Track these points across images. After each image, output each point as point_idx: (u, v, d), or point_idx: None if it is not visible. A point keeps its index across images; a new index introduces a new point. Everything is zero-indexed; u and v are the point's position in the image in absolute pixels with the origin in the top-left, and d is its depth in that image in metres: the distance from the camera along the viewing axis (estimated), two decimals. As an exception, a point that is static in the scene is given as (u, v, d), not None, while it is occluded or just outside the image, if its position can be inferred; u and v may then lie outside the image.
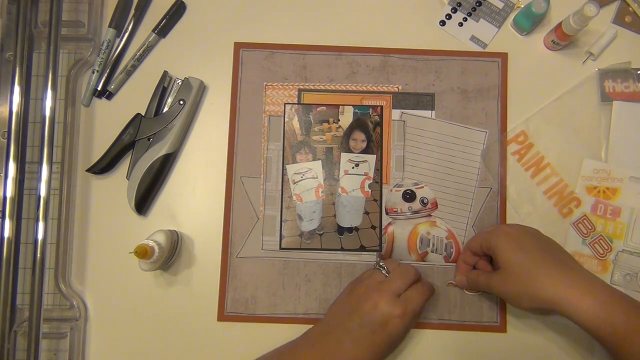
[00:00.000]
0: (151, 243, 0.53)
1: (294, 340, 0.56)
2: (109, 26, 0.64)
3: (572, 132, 0.62)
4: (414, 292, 0.54)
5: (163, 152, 0.60)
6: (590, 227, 0.60)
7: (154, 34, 0.63)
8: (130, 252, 0.52)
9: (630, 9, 0.64)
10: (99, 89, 0.63)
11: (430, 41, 0.64)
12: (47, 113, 0.58)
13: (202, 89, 0.63)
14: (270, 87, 0.64)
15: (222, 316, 0.60)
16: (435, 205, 0.62)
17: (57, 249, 0.60)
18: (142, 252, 0.52)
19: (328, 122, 0.63)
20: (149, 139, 0.61)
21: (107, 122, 0.63)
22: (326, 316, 0.57)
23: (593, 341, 0.58)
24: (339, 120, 0.63)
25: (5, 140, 0.58)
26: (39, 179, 0.57)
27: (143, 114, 0.61)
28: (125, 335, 0.60)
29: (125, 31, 0.64)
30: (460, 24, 0.65)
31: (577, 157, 0.62)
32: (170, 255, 0.58)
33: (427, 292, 0.56)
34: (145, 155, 0.60)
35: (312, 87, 0.63)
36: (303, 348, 0.55)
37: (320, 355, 0.53)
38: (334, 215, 0.62)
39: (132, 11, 0.64)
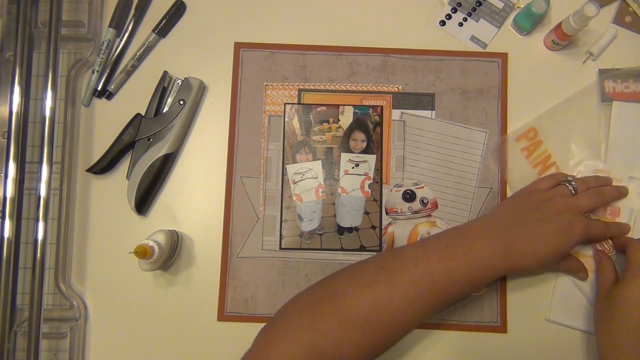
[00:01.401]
0: (151, 243, 0.53)
1: (463, 225, 0.55)
2: (109, 26, 0.64)
3: (575, 132, 0.62)
4: (596, 223, 0.55)
5: (163, 152, 0.60)
6: (608, 249, 0.60)
7: (154, 34, 0.63)
8: (130, 252, 0.52)
9: (630, 9, 0.64)
10: (99, 89, 0.63)
11: (430, 41, 0.64)
12: (47, 113, 0.58)
13: (202, 89, 0.63)
14: (270, 87, 0.64)
15: (222, 316, 0.60)
16: (435, 206, 0.62)
17: (57, 249, 0.60)
18: (142, 252, 0.52)
19: (328, 122, 0.63)
20: (149, 139, 0.61)
21: (107, 122, 0.63)
22: (500, 209, 0.56)
23: (593, 341, 0.58)
24: (339, 120, 0.63)
25: (5, 140, 0.58)
26: (39, 179, 0.57)
27: (143, 114, 0.62)
28: (125, 335, 0.60)
29: (125, 31, 0.64)
30: (460, 24, 0.65)
31: (578, 158, 0.61)
32: (170, 255, 0.58)
33: (609, 232, 0.56)
34: (145, 155, 0.60)
35: (312, 87, 0.63)
36: (477, 231, 0.53)
37: (499, 242, 0.51)
38: (334, 215, 0.62)
39: (132, 11, 0.64)
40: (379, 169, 0.62)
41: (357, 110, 0.63)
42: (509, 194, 0.62)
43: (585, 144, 0.62)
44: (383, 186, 0.62)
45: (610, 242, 0.58)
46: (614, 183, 0.60)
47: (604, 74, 0.63)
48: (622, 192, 0.59)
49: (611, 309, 0.52)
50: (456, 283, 0.50)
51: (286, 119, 0.63)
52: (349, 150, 0.62)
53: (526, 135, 0.62)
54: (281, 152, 0.63)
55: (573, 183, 0.56)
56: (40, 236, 0.56)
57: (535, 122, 0.62)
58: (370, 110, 0.63)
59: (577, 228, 0.52)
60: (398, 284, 0.49)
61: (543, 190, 0.56)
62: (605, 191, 0.57)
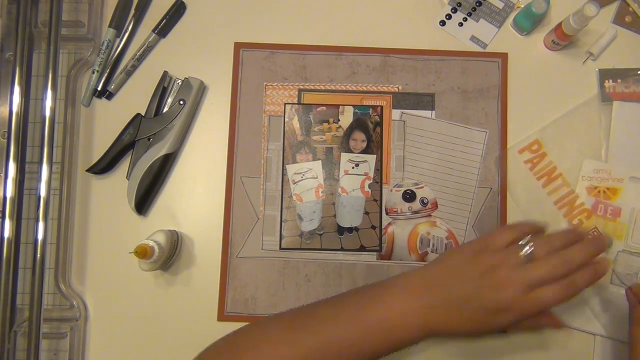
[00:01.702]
0: (151, 243, 0.53)
1: (389, 279, 0.48)
2: (109, 26, 0.64)
3: (581, 143, 0.62)
4: (550, 291, 0.44)
5: (163, 152, 0.60)
6: None
7: (154, 34, 0.63)
8: (130, 252, 0.52)
9: (630, 9, 0.64)
10: (99, 89, 0.63)
11: (430, 41, 0.64)
12: (47, 113, 0.58)
13: (202, 89, 0.63)
14: (270, 87, 0.64)
15: (222, 316, 0.60)
16: (435, 206, 0.62)
17: (57, 249, 0.60)
18: (142, 252, 0.52)
19: (328, 122, 0.63)
20: (149, 139, 0.61)
21: (107, 122, 0.63)
22: (437, 265, 0.48)
23: (592, 341, 0.58)
24: (339, 120, 0.63)
25: (5, 140, 0.58)
26: (39, 179, 0.57)
27: (143, 114, 0.61)
28: (125, 335, 0.60)
29: (125, 31, 0.64)
30: (460, 24, 0.65)
31: (585, 169, 0.61)
32: (170, 255, 0.58)
33: (571, 293, 0.45)
34: (145, 155, 0.60)
35: (312, 87, 0.63)
36: (402, 289, 0.46)
37: (420, 306, 0.44)
38: (334, 215, 0.62)
39: (132, 11, 0.64)
40: (379, 169, 0.62)
41: (357, 110, 0.63)
42: (509, 195, 0.62)
43: (589, 154, 0.61)
44: (383, 186, 0.62)
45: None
46: (615, 183, 0.60)
47: (604, 73, 0.63)
48: (594, 251, 0.46)
49: None
50: (366, 349, 0.44)
51: (286, 119, 0.63)
52: (349, 150, 0.62)
53: (529, 148, 0.62)
54: (281, 152, 0.63)
55: (529, 247, 0.45)
56: (40, 236, 0.56)
57: (539, 135, 0.62)
58: (370, 110, 0.63)
59: (508, 315, 0.44)
60: (301, 345, 0.44)
61: (496, 249, 0.46)
62: (572, 258, 0.45)
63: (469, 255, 0.47)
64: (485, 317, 0.44)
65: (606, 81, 0.63)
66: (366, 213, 0.62)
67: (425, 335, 0.45)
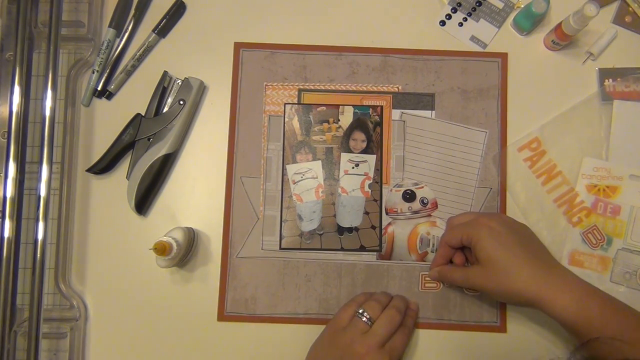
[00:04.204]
0: (170, 240, 0.53)
1: None
2: (109, 26, 0.64)
3: (581, 141, 0.62)
4: (397, 340, 0.55)
5: (163, 152, 0.60)
6: (600, 238, 0.60)
7: (154, 34, 0.63)
8: (149, 249, 0.52)
9: (630, 9, 0.64)
10: (99, 89, 0.63)
11: (430, 41, 0.64)
12: (47, 113, 0.58)
13: (202, 89, 0.63)
14: (270, 87, 0.64)
15: (222, 316, 0.60)
16: (435, 205, 0.62)
17: (57, 249, 0.60)
18: (161, 249, 0.52)
19: (328, 122, 0.63)
20: (149, 139, 0.61)
21: (107, 122, 0.63)
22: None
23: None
24: (339, 120, 0.63)
25: (5, 140, 0.58)
26: (39, 179, 0.57)
27: (143, 114, 0.61)
28: (125, 335, 0.60)
29: (125, 31, 0.64)
30: (460, 24, 0.65)
31: (584, 167, 0.61)
32: (187, 252, 0.58)
33: (410, 334, 0.57)
34: (145, 155, 0.60)
35: (312, 87, 0.63)
36: None
37: None
38: (334, 215, 0.62)
39: (132, 11, 0.64)
40: (378, 169, 0.62)
41: (357, 110, 0.63)
42: (508, 195, 0.62)
43: (589, 152, 0.61)
44: (383, 186, 0.62)
45: (463, 256, 0.58)
46: (615, 181, 0.60)
47: (604, 73, 0.63)
48: (404, 303, 0.58)
49: (489, 265, 0.53)
50: None
51: (286, 119, 0.63)
52: (349, 150, 0.62)
53: (529, 146, 0.62)
54: (281, 152, 0.63)
55: (366, 314, 0.55)
56: (40, 236, 0.56)
57: (539, 132, 0.62)
58: (370, 110, 0.63)
59: None
60: None
61: (344, 326, 0.55)
62: (399, 307, 0.56)
63: (327, 343, 0.56)
64: None
65: (606, 80, 0.63)
66: (366, 213, 0.62)
67: None
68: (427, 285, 0.61)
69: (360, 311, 0.55)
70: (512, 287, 0.51)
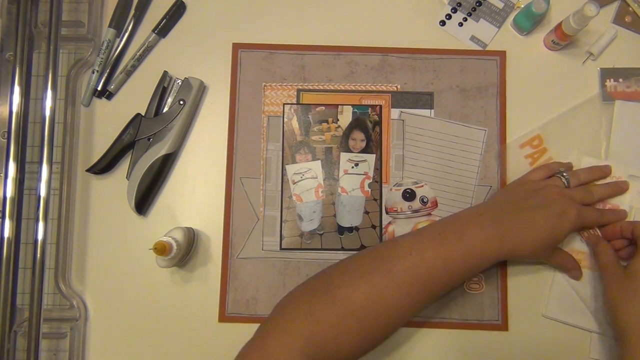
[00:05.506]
0: (170, 240, 0.53)
1: (456, 214, 0.56)
2: (109, 26, 0.64)
3: (582, 141, 0.62)
4: (589, 210, 0.55)
5: (163, 152, 0.60)
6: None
7: (154, 34, 0.64)
8: (149, 249, 0.52)
9: (630, 9, 0.64)
10: (99, 89, 0.63)
11: (430, 41, 0.64)
12: (47, 113, 0.58)
13: (202, 89, 0.63)
14: (269, 87, 0.64)
15: (223, 317, 0.60)
16: (435, 204, 0.62)
17: (57, 249, 0.60)
18: (161, 249, 0.52)
19: (327, 122, 0.63)
20: (149, 139, 0.61)
21: (107, 122, 0.63)
22: (494, 199, 0.58)
23: (592, 340, 0.58)
24: (338, 120, 0.63)
25: (5, 140, 0.58)
26: (39, 179, 0.57)
27: (143, 114, 0.62)
28: (125, 335, 0.60)
29: (125, 31, 0.64)
30: (460, 24, 0.65)
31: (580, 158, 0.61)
32: (187, 252, 0.58)
33: (601, 220, 0.56)
34: (145, 155, 0.60)
35: (311, 87, 0.63)
36: (471, 218, 0.53)
37: (493, 227, 0.51)
38: (334, 215, 0.62)
39: (132, 11, 0.64)
40: (378, 168, 0.62)
41: (356, 110, 0.63)
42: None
43: (589, 152, 0.61)
44: (383, 185, 0.62)
45: (598, 231, 0.58)
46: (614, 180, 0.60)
47: (605, 73, 0.63)
48: (614, 192, 0.59)
49: (635, 283, 0.51)
50: (451, 269, 0.50)
51: (285, 119, 0.63)
52: (349, 150, 0.62)
53: (531, 143, 0.62)
54: (280, 153, 0.63)
55: (566, 175, 0.56)
56: (40, 236, 0.56)
57: (541, 130, 0.62)
58: (369, 110, 0.63)
59: (570, 214, 0.52)
60: (393, 272, 0.49)
61: (536, 180, 0.57)
62: (594, 191, 0.57)
63: (517, 186, 0.57)
64: (551, 222, 0.52)
65: (607, 80, 0.63)
66: (366, 212, 0.62)
67: (500, 258, 0.52)
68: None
69: (562, 171, 0.57)
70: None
